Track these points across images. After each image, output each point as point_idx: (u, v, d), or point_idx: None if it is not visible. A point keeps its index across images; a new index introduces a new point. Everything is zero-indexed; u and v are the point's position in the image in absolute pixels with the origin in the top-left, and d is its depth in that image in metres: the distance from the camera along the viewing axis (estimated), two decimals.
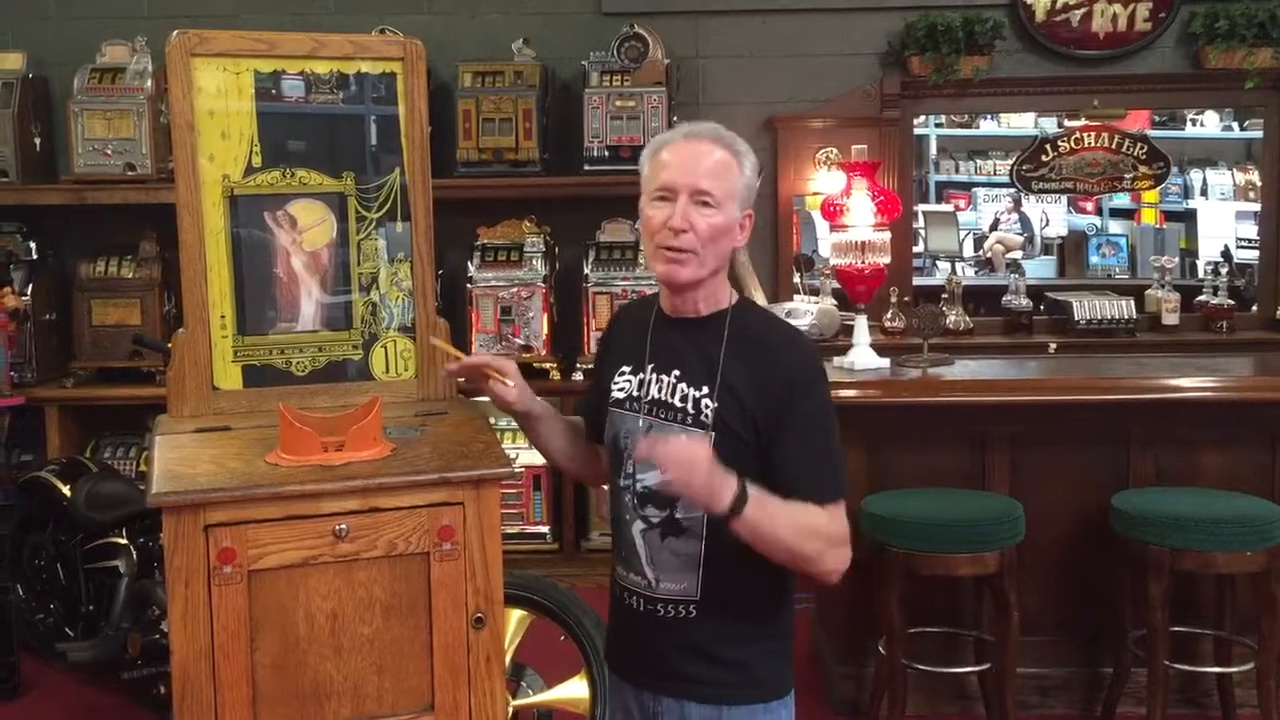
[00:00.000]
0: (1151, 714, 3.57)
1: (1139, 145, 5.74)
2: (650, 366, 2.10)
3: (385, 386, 2.31)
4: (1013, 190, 6.52)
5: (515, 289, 5.29)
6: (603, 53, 5.46)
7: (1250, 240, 6.26)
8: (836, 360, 4.09)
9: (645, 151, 2.10)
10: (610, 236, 5.35)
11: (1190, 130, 6.81)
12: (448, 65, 5.51)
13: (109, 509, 4.10)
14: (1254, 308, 5.81)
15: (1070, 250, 6.92)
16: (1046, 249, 6.95)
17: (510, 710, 3.08)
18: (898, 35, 5.61)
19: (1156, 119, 6.61)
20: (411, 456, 2.00)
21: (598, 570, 4.81)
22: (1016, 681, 3.63)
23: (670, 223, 2.00)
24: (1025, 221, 6.91)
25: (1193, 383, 3.86)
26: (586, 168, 5.33)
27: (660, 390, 2.07)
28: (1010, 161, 6.07)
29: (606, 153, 5.27)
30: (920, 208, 6.48)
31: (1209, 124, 6.81)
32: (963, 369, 4.12)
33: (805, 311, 5.24)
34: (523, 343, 5.27)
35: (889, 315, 5.40)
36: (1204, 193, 6.78)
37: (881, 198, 4.06)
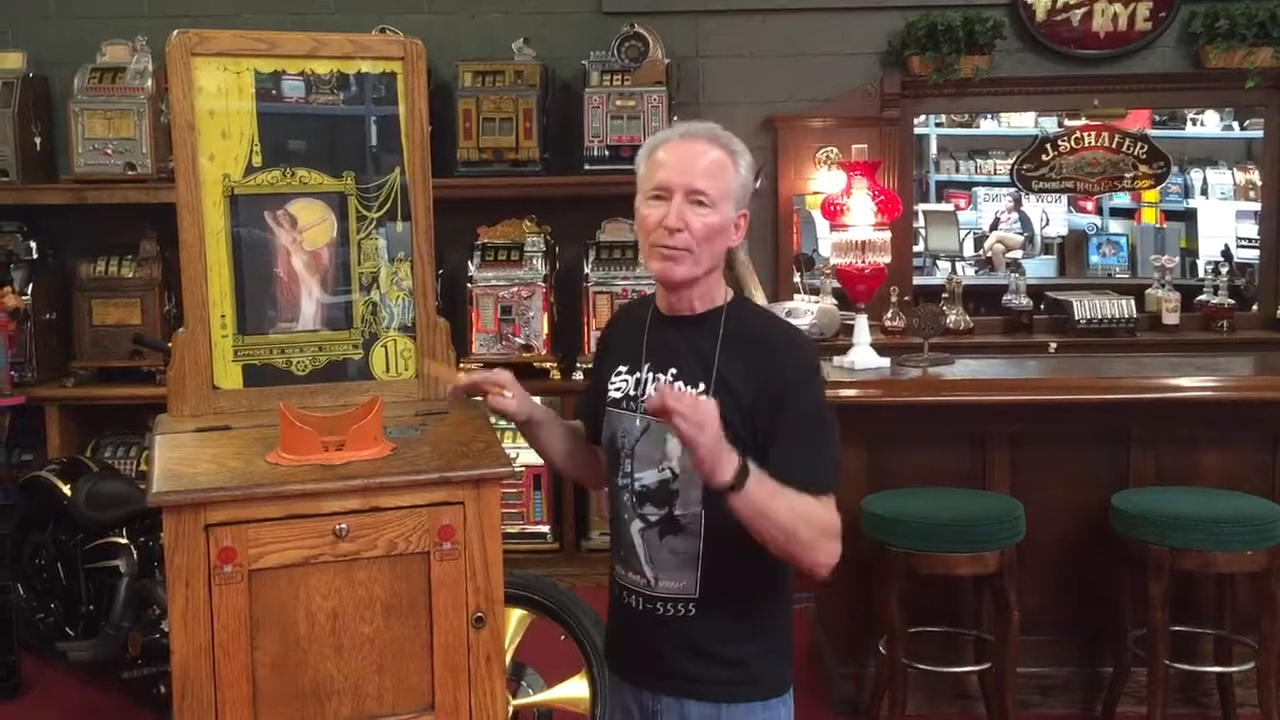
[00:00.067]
0: (1152, 713, 3.57)
1: (1139, 145, 5.74)
2: (647, 365, 2.11)
3: (385, 386, 2.31)
4: (1013, 190, 6.52)
5: (515, 288, 5.29)
6: (603, 52, 5.46)
7: (1250, 240, 6.25)
8: (837, 360, 4.10)
9: (641, 150, 2.11)
10: (610, 236, 5.35)
11: (1190, 130, 6.81)
12: (448, 65, 5.51)
13: (109, 508, 4.10)
14: (1254, 307, 5.81)
15: (1070, 250, 6.92)
16: (1047, 248, 6.94)
17: (510, 710, 3.08)
18: (898, 35, 5.61)
19: (1157, 118, 6.60)
20: (412, 456, 2.00)
21: (598, 570, 4.81)
22: (1017, 681, 3.63)
23: (665, 222, 2.01)
24: (1025, 221, 6.91)
25: (1193, 382, 3.86)
26: (587, 167, 5.33)
27: (656, 389, 2.07)
28: (1010, 161, 6.07)
29: (607, 152, 5.27)
30: (920, 207, 6.47)
31: (1209, 123, 6.81)
32: (963, 368, 4.12)
33: (805, 311, 5.24)
34: (523, 342, 5.27)
35: (889, 315, 5.40)
36: (1204, 192, 6.78)
37: (882, 197, 4.06)
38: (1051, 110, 6.20)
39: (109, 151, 5.23)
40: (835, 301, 5.35)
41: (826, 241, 5.19)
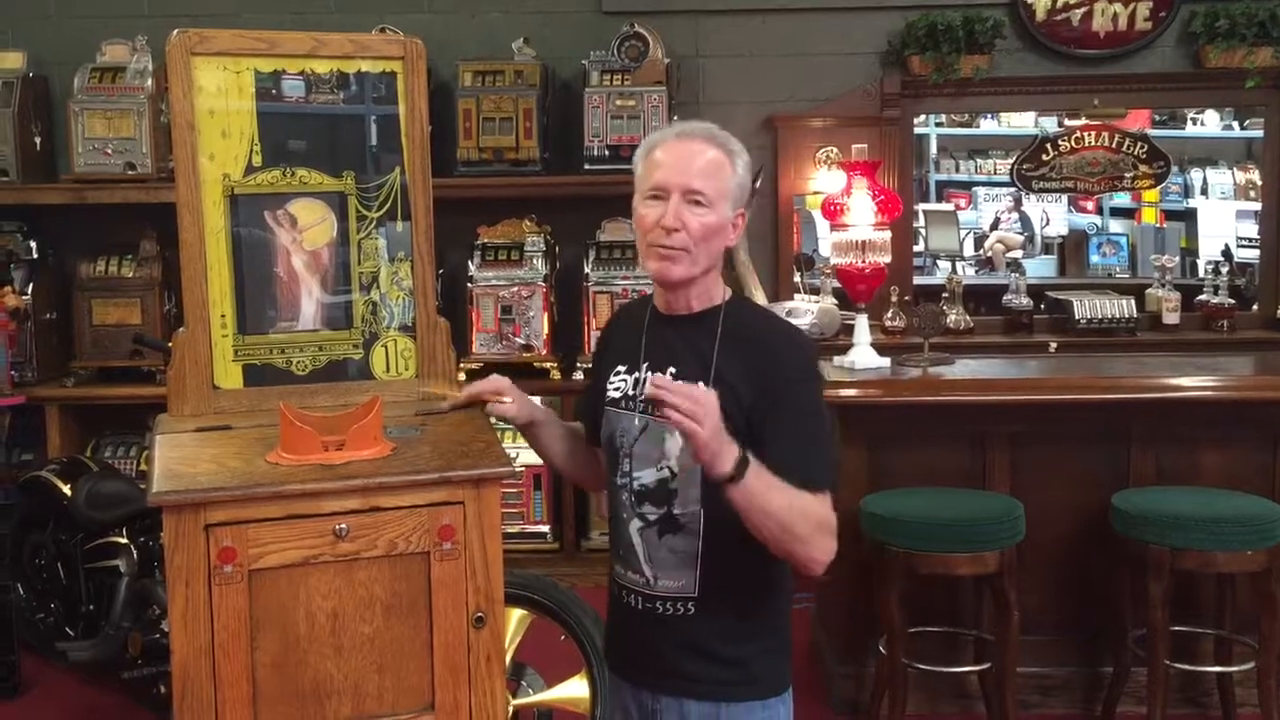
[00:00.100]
0: (1152, 713, 3.57)
1: (1139, 144, 5.74)
2: (645, 365, 2.11)
3: (385, 386, 2.31)
4: (1013, 189, 6.51)
5: (516, 288, 5.29)
6: (603, 52, 5.46)
7: (1251, 239, 6.25)
8: (837, 360, 4.10)
9: (639, 150, 2.11)
10: (611, 236, 5.35)
11: (1190, 129, 6.80)
12: (448, 64, 5.51)
13: (109, 508, 4.10)
14: (1254, 307, 5.81)
15: (1071, 249, 6.92)
16: (1047, 248, 6.94)
17: (510, 709, 3.08)
18: (898, 34, 5.61)
19: (1157, 118, 6.60)
20: (412, 456, 2.00)
21: (598, 570, 4.81)
22: (1017, 681, 3.63)
23: (662, 222, 2.01)
24: (1026, 221, 6.91)
25: (1193, 382, 3.86)
26: (587, 167, 5.33)
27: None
28: (1011, 161, 6.07)
29: (607, 152, 5.27)
30: (921, 207, 6.47)
31: (1209, 123, 6.81)
32: (963, 368, 4.12)
33: (806, 311, 5.24)
34: (523, 342, 5.27)
35: (889, 314, 5.40)
36: (1204, 192, 6.78)
37: (882, 197, 4.06)
38: (1051, 110, 6.20)
39: (109, 151, 5.23)
40: (835, 301, 5.35)
41: (826, 241, 5.19)
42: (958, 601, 3.88)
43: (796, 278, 5.77)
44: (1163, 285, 5.66)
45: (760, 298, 5.31)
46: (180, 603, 1.84)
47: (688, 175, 2.02)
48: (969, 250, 6.80)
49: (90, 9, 5.67)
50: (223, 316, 2.23)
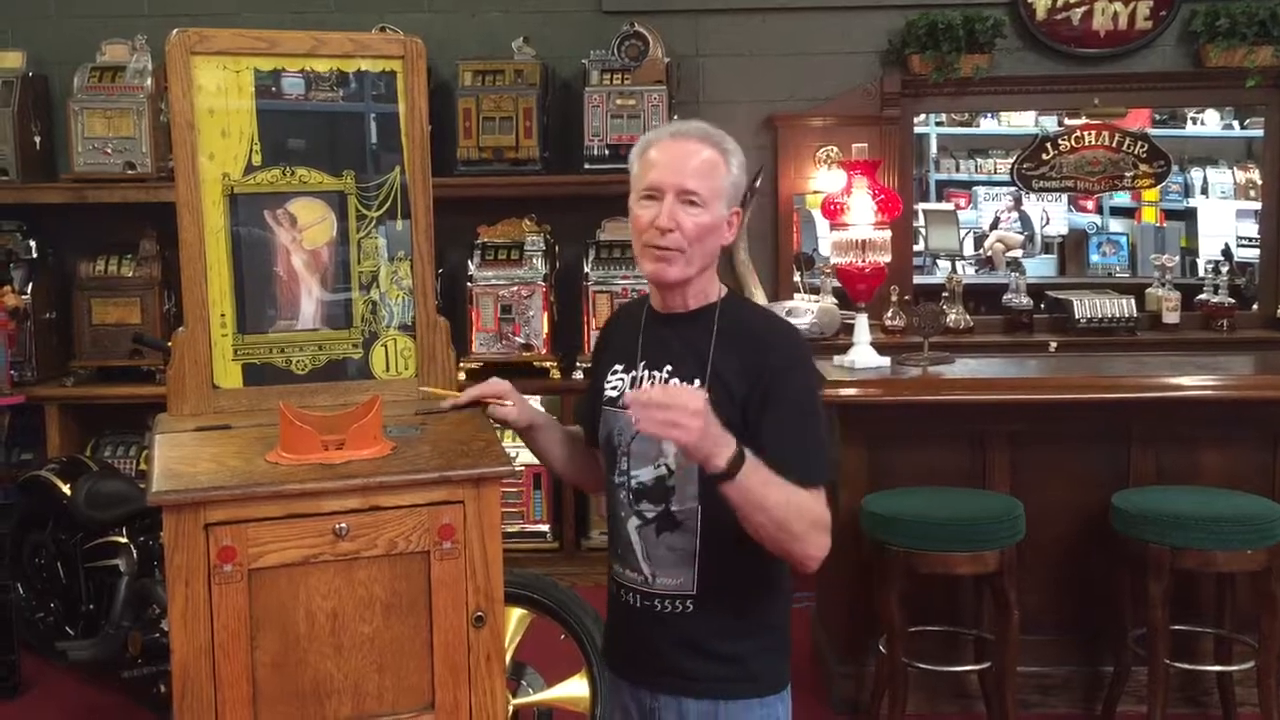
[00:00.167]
0: (1152, 713, 3.57)
1: (1139, 144, 5.73)
2: (642, 364, 2.11)
3: (385, 385, 2.31)
4: (1013, 189, 6.51)
5: (515, 287, 5.29)
6: (603, 51, 5.45)
7: (1251, 239, 6.25)
8: (837, 359, 4.10)
9: (634, 149, 2.11)
10: (610, 235, 5.35)
11: (1191, 129, 6.80)
12: (448, 64, 5.51)
13: (109, 508, 4.10)
14: (1254, 306, 5.81)
15: (1071, 249, 6.92)
16: (1047, 247, 6.94)
17: (510, 709, 3.07)
18: (898, 33, 5.61)
19: (1157, 117, 6.60)
20: (412, 455, 2.00)
21: (598, 569, 4.80)
22: (1017, 680, 3.63)
23: (657, 222, 2.01)
24: (1025, 220, 6.91)
25: (1193, 381, 3.85)
26: (587, 166, 5.33)
27: (652, 386, 2.07)
28: (1011, 160, 6.07)
29: (607, 151, 5.26)
30: (920, 206, 6.47)
31: (1209, 122, 6.80)
32: (963, 368, 4.12)
33: (806, 310, 5.24)
34: (523, 341, 5.27)
35: (889, 314, 5.40)
36: (1204, 191, 6.78)
37: (882, 196, 4.06)
38: (1052, 109, 6.20)
39: (109, 150, 5.23)
40: (835, 301, 5.35)
41: (826, 240, 5.19)
42: (958, 601, 3.87)
43: (796, 277, 5.77)
44: (1163, 285, 5.66)
45: (760, 297, 5.31)
46: (180, 602, 1.84)
47: (682, 175, 2.02)
48: (969, 250, 6.80)
49: (90, 8, 5.67)
50: (222, 316, 2.24)
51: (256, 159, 2.25)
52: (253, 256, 2.25)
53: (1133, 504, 3.60)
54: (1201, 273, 6.30)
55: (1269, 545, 3.45)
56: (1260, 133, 5.88)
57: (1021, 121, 6.75)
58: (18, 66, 5.41)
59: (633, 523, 2.09)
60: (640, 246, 2.06)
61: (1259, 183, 6.04)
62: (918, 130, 6.20)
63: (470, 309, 5.28)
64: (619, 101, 5.28)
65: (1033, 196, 6.50)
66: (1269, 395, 3.87)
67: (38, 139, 5.46)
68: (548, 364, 5.27)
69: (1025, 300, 5.66)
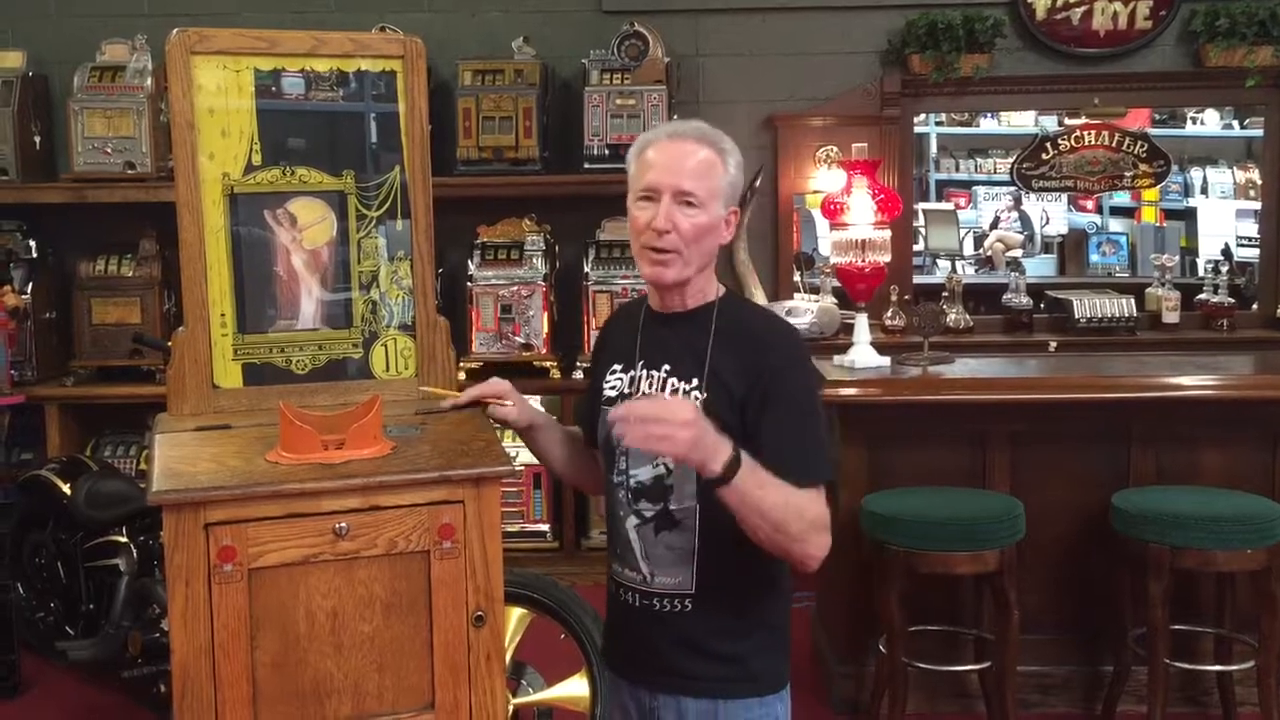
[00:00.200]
0: (1152, 712, 3.57)
1: (1139, 143, 5.73)
2: (641, 363, 2.12)
3: (385, 385, 2.31)
4: (1013, 188, 6.51)
5: (515, 287, 5.29)
6: (603, 51, 5.45)
7: (1250, 238, 6.25)
8: (837, 359, 4.10)
9: (631, 150, 2.11)
10: (610, 235, 5.35)
11: (1190, 128, 6.80)
12: (448, 63, 5.51)
13: (109, 507, 4.10)
14: (1254, 306, 5.81)
15: (1070, 248, 6.91)
16: (1047, 247, 6.94)
17: (510, 708, 3.07)
18: (898, 33, 5.61)
19: (1157, 117, 6.60)
20: (412, 455, 2.00)
21: (598, 568, 4.78)
22: (1017, 680, 3.63)
23: (653, 224, 2.01)
24: (1025, 220, 6.91)
25: (1193, 381, 3.85)
26: (587, 166, 5.33)
27: (651, 385, 2.08)
28: (1011, 160, 6.07)
29: (607, 151, 5.26)
30: (920, 206, 6.47)
31: (1209, 122, 6.80)
32: (963, 367, 4.12)
33: (805, 310, 5.24)
34: (523, 341, 5.27)
35: (889, 314, 5.40)
36: (1204, 191, 6.78)
37: (882, 196, 4.06)
38: (1051, 109, 6.20)
39: (109, 150, 5.23)
40: (835, 300, 5.35)
41: (826, 240, 5.19)
42: (958, 601, 3.88)
43: (796, 277, 5.77)
44: (1162, 284, 5.66)
45: (760, 297, 5.31)
46: (180, 602, 1.84)
47: (678, 176, 2.01)
48: (969, 249, 6.80)
49: (90, 8, 5.67)
50: (222, 315, 2.24)
51: (256, 159, 2.25)
52: (253, 256, 2.25)
53: (1133, 504, 3.60)
54: (1201, 272, 6.30)
55: (1269, 545, 3.45)
56: (1260, 132, 5.88)
57: (1021, 121, 6.75)
58: (18, 66, 5.41)
59: (631, 522, 2.09)
60: (638, 247, 2.06)
61: (1259, 182, 6.04)
62: (918, 130, 6.20)
63: (470, 309, 5.28)
64: (619, 101, 5.28)
65: (1032, 196, 6.49)
66: (1269, 395, 3.87)
67: (38, 139, 5.46)
68: (548, 364, 5.27)
69: (1025, 300, 5.66)
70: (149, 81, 5.28)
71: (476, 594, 1.97)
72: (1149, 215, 6.94)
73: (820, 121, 5.69)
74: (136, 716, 3.88)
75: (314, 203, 2.30)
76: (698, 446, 1.84)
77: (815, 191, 5.62)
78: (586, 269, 5.30)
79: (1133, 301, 5.53)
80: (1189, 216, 6.80)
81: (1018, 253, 6.63)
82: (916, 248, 6.17)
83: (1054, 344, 5.27)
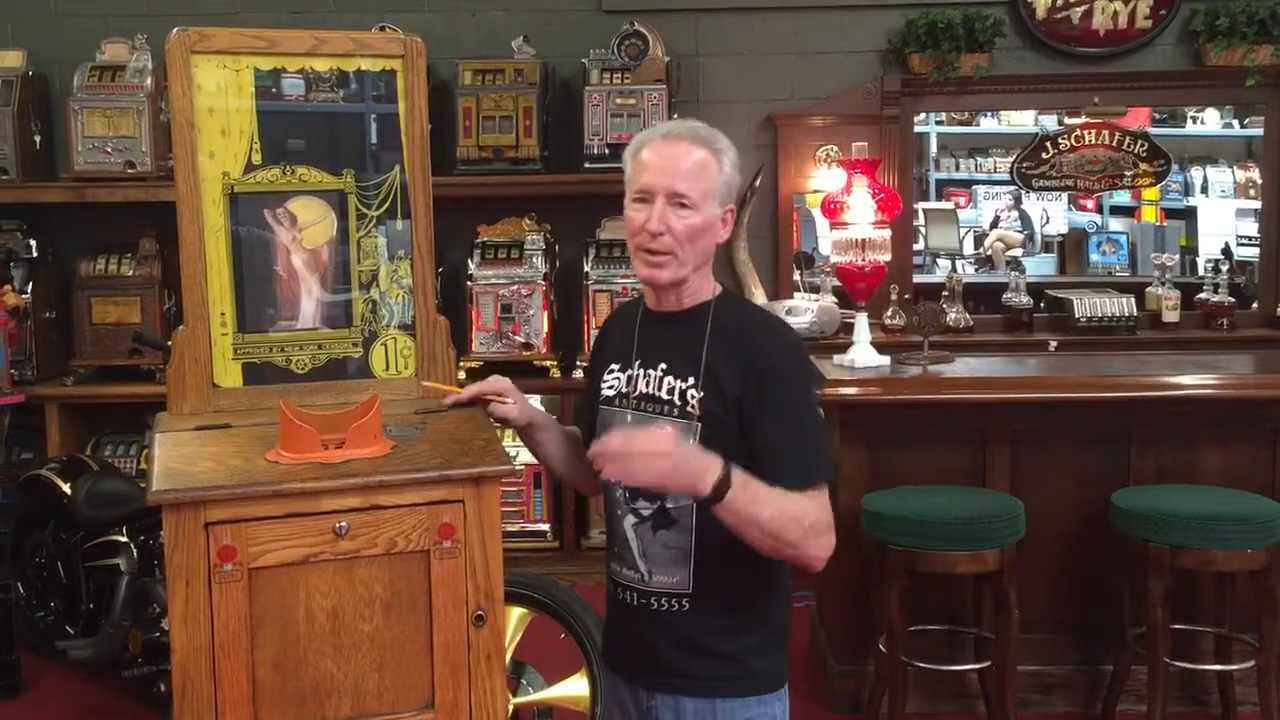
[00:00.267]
0: (1152, 711, 3.57)
1: (1139, 143, 5.73)
2: (638, 362, 2.12)
3: (385, 384, 2.31)
4: (1013, 188, 6.51)
5: (515, 286, 5.29)
6: (603, 50, 5.46)
7: (1251, 238, 6.25)
8: (837, 358, 4.10)
9: (628, 150, 2.11)
10: (610, 234, 5.35)
11: (1191, 128, 6.80)
12: (448, 63, 5.51)
13: (109, 507, 4.11)
14: (1254, 305, 5.81)
15: (1071, 248, 6.91)
16: (1047, 246, 6.94)
17: (510, 708, 3.08)
18: (898, 33, 5.61)
19: (1157, 116, 6.59)
20: (412, 454, 2.00)
21: (598, 568, 4.76)
22: (1017, 679, 3.63)
23: (648, 225, 2.02)
24: (1025, 219, 6.90)
25: (1193, 380, 3.86)
26: (587, 165, 5.33)
27: (647, 384, 2.09)
28: (1011, 159, 6.07)
29: (607, 150, 5.26)
30: (920, 205, 6.47)
31: (1209, 121, 6.80)
32: (963, 367, 4.12)
33: (806, 309, 5.24)
34: (523, 340, 5.27)
35: (889, 313, 5.40)
36: (1204, 190, 6.77)
37: (882, 195, 4.06)
38: (1051, 108, 6.19)
39: (109, 150, 5.23)
40: (835, 300, 5.35)
41: (826, 239, 5.19)
42: (958, 600, 3.88)
43: (796, 276, 5.76)
44: (1162, 283, 5.66)
45: (760, 296, 5.31)
46: (180, 601, 1.84)
47: (672, 177, 2.02)
48: (969, 249, 6.79)
49: (90, 7, 5.67)
50: (222, 315, 2.23)
51: (256, 158, 2.25)
52: (253, 255, 2.25)
53: (1132, 503, 3.60)
54: (1201, 272, 6.29)
55: (1269, 544, 3.45)
56: (1260, 132, 5.88)
57: (1021, 120, 6.74)
58: (18, 65, 5.41)
59: (629, 520, 2.10)
60: (633, 248, 2.07)
61: (1259, 181, 6.04)
62: (918, 129, 6.20)
63: (470, 308, 5.28)
64: (619, 101, 5.28)
65: (1032, 195, 6.49)
66: (1269, 394, 3.87)
67: (38, 138, 5.46)
68: (548, 363, 5.27)
69: (1025, 299, 5.66)
70: (149, 81, 5.28)
71: (476, 594, 1.97)
72: (1149, 214, 6.94)
73: (820, 121, 5.69)
74: (136, 716, 3.88)
75: (314, 202, 2.30)
76: (680, 473, 1.86)
77: (815, 191, 5.62)
78: (586, 268, 5.30)
79: (1133, 301, 5.53)
80: (1189, 216, 6.80)
81: (1018, 252, 6.63)
82: (916, 247, 6.17)
83: (1054, 343, 5.27)
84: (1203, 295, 5.67)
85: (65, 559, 4.26)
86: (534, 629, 3.29)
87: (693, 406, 2.02)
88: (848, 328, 4.56)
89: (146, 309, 5.30)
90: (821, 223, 5.58)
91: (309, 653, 1.91)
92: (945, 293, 5.57)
